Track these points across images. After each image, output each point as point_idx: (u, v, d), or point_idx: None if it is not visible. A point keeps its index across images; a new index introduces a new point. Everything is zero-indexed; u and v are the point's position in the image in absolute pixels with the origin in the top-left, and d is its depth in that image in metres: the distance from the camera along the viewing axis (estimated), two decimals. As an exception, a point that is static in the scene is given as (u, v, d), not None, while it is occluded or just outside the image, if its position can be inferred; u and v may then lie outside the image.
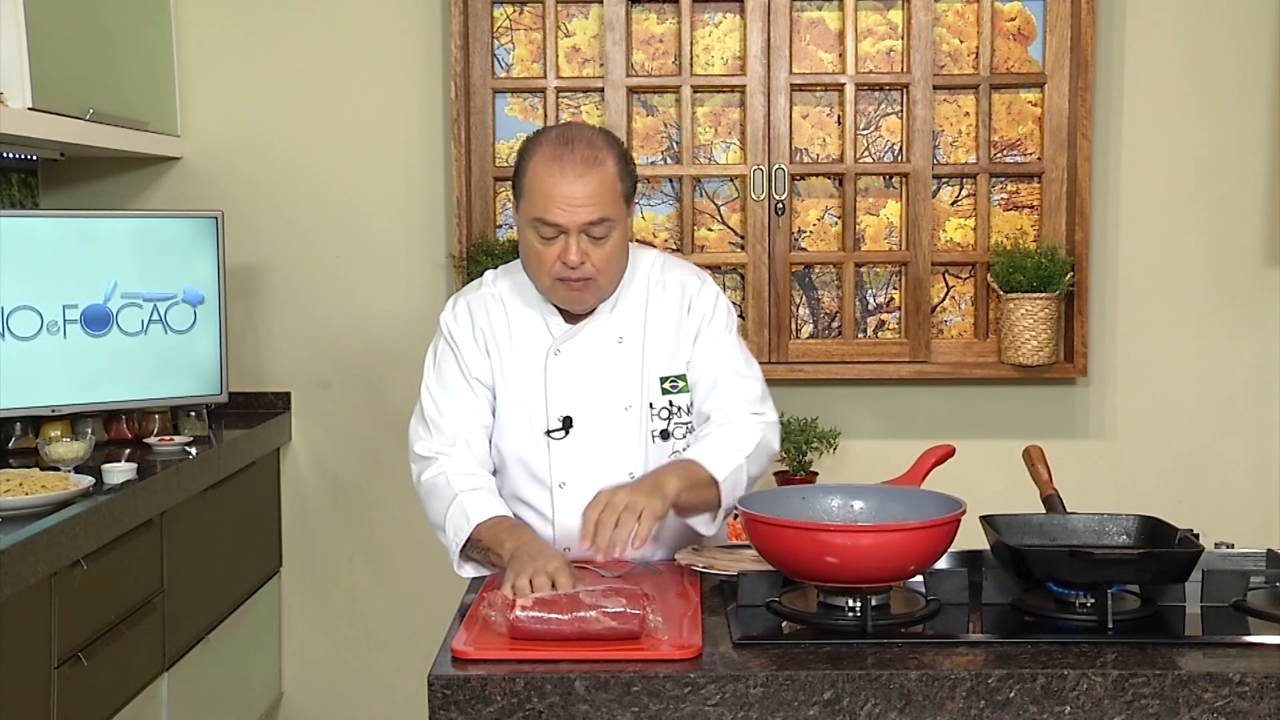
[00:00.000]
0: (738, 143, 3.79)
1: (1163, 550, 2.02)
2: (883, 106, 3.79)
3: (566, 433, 2.31)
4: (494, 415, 2.34)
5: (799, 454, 3.58)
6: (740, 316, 3.79)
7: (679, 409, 2.34)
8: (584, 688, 1.73)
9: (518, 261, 2.36)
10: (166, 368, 3.40)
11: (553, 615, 1.83)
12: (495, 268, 2.46)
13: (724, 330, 2.36)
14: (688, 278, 2.38)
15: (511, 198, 2.30)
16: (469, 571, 2.26)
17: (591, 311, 2.33)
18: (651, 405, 2.33)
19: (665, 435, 2.33)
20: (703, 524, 2.25)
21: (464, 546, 2.22)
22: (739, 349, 2.37)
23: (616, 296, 2.34)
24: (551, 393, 2.31)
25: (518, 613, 1.84)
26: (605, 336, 2.33)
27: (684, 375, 2.34)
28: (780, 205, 3.75)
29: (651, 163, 3.80)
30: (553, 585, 1.95)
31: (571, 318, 2.34)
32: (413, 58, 3.75)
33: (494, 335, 2.35)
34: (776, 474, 3.63)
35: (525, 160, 2.23)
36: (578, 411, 2.31)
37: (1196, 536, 2.03)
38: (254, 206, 3.76)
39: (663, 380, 2.33)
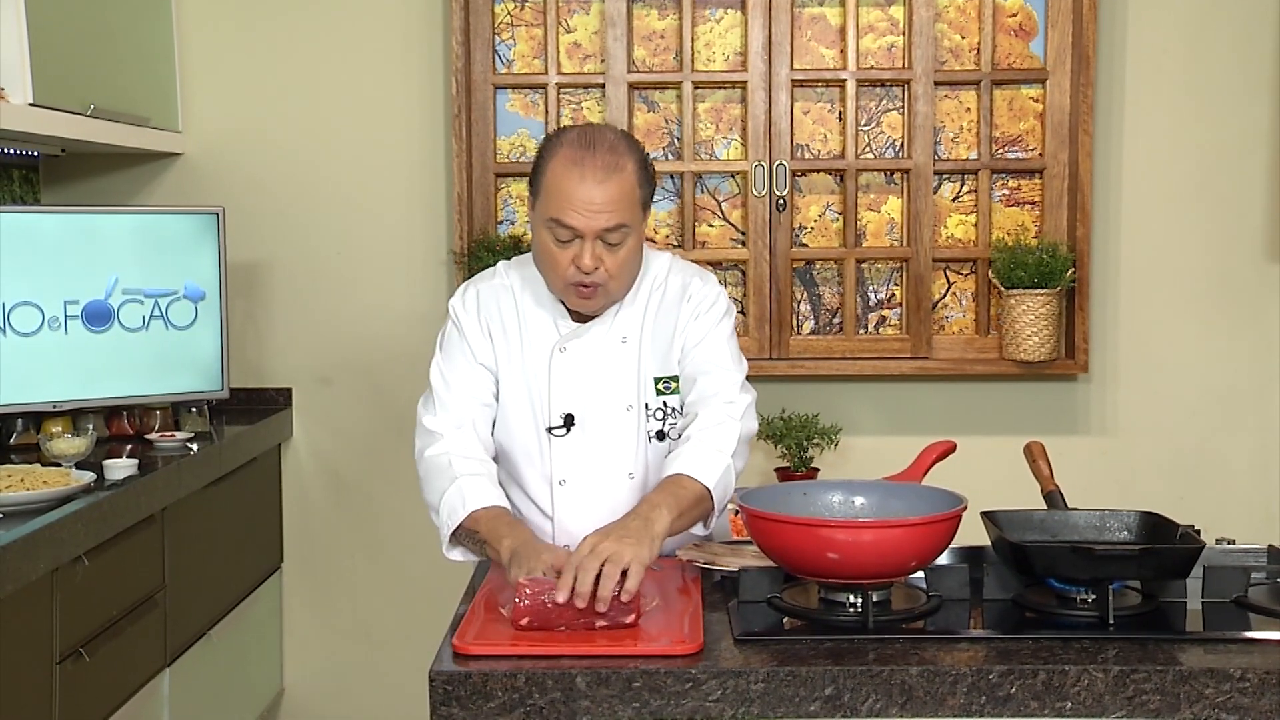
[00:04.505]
0: (739, 139, 3.79)
1: (1164, 546, 2.02)
2: (884, 102, 3.79)
3: (567, 430, 2.30)
4: (497, 402, 2.34)
5: (800, 450, 3.57)
6: (741, 313, 3.79)
7: (672, 410, 2.34)
8: (585, 683, 1.73)
9: (529, 255, 2.35)
10: (168, 364, 3.39)
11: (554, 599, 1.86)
12: (496, 264, 2.46)
13: (715, 323, 2.34)
14: (690, 278, 2.37)
15: (527, 194, 2.30)
16: (457, 555, 2.25)
17: None
18: (648, 406, 2.33)
19: (661, 436, 2.33)
20: (697, 529, 2.25)
21: (455, 532, 2.20)
22: (729, 344, 2.35)
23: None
24: (555, 390, 2.31)
25: (522, 596, 1.86)
26: (610, 337, 2.33)
27: (676, 377, 2.34)
28: (781, 201, 3.74)
29: (653, 159, 3.77)
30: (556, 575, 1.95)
31: (579, 316, 2.34)
32: (414, 53, 3.75)
33: (502, 325, 2.34)
34: (777, 470, 3.63)
35: (545, 159, 2.22)
36: (579, 410, 2.31)
37: (1198, 532, 2.03)
38: (255, 202, 3.76)
39: (657, 381, 2.33)
